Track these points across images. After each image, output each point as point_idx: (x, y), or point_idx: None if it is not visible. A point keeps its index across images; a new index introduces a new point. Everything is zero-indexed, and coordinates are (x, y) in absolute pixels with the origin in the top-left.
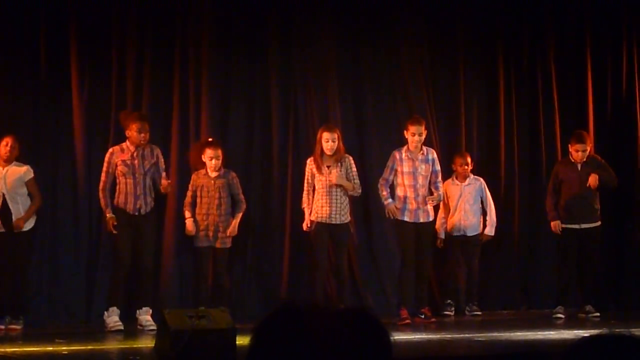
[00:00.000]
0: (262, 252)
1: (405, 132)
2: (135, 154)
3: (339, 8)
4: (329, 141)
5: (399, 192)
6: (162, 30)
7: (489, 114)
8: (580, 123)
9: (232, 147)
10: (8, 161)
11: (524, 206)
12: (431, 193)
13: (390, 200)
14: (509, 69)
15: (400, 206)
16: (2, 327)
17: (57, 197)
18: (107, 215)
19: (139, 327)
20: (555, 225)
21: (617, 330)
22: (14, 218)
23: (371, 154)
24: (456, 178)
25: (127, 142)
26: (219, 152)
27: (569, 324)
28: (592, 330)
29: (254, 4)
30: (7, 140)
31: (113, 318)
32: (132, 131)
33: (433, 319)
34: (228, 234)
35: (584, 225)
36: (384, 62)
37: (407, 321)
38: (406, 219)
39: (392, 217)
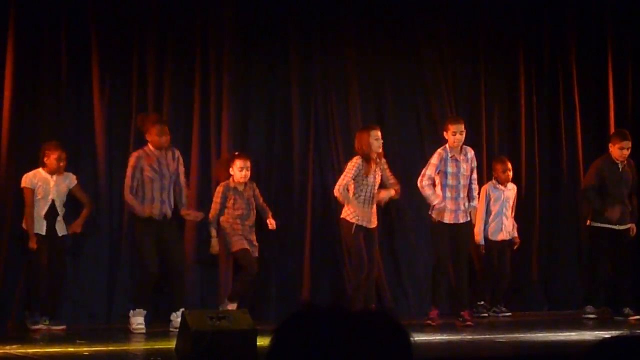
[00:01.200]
0: (283, 257)
1: (445, 132)
2: (160, 158)
3: (359, 12)
4: (379, 139)
5: (439, 192)
6: (183, 34)
7: (510, 117)
8: (602, 124)
9: (252, 152)
10: (58, 172)
11: (544, 207)
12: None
13: (443, 202)
14: (530, 71)
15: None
16: (44, 327)
17: (78, 199)
18: (147, 210)
19: (172, 330)
20: (613, 211)
21: (638, 331)
22: (58, 224)
23: (392, 159)
24: (498, 182)
25: (149, 146)
26: (249, 163)
27: (591, 326)
28: (613, 332)
29: (275, 10)
30: (61, 154)
31: (137, 319)
32: (153, 135)
33: (469, 323)
34: (275, 226)
35: (620, 227)
36: (404, 67)
37: (436, 322)
38: (446, 220)
39: (436, 221)
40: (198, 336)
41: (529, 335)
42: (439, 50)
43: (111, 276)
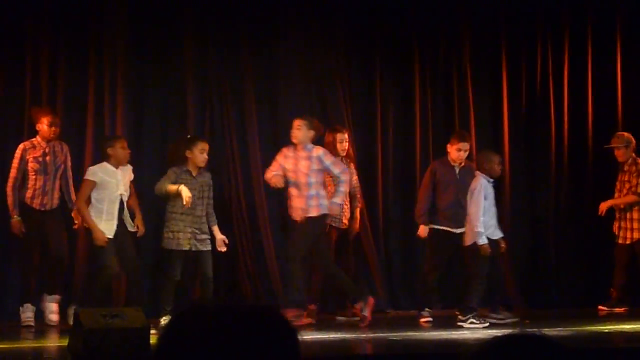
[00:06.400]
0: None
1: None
2: (47, 150)
3: (255, 14)
4: (342, 142)
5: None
6: (77, 29)
7: (405, 119)
8: (496, 125)
9: (147, 153)
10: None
11: None
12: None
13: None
14: (425, 71)
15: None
16: None
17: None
18: (14, 217)
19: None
20: (424, 230)
21: (528, 330)
22: (126, 218)
23: None
24: (491, 177)
25: (38, 138)
26: (207, 146)
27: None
28: (504, 330)
29: (170, 10)
30: (124, 143)
31: (27, 314)
32: (43, 124)
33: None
34: (224, 246)
35: (458, 230)
36: (300, 68)
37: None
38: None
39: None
40: (90, 334)
41: (421, 333)
42: (334, 51)
43: (0, 273)
